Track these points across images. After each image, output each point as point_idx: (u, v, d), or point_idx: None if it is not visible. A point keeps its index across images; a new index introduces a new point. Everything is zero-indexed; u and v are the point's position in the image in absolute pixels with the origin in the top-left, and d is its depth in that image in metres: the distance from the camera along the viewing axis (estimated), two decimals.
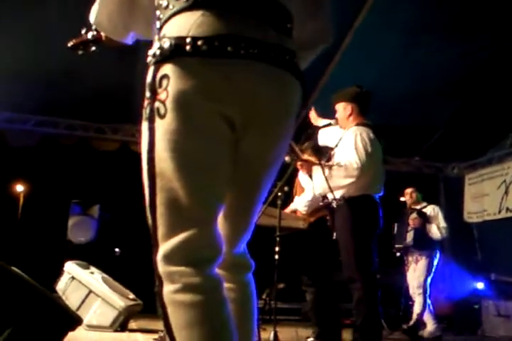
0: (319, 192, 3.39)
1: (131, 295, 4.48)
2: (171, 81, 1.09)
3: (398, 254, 5.40)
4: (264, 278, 2.90)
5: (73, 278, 4.41)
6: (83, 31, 1.64)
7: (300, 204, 3.91)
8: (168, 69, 1.10)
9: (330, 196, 3.20)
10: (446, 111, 6.35)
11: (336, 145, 3.35)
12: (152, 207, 1.11)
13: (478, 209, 7.14)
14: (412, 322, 5.03)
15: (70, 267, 4.53)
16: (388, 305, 5.03)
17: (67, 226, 6.11)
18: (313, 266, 3.71)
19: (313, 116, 3.70)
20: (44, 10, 4.55)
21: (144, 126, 1.13)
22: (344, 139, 3.28)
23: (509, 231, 6.43)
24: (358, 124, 3.30)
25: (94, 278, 4.42)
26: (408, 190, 5.56)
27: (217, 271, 1.14)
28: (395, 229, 5.54)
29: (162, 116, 1.09)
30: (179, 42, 1.09)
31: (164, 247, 1.08)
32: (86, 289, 4.31)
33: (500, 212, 6.70)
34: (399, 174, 6.93)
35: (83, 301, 4.27)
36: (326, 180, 3.04)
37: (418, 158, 7.41)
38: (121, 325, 4.22)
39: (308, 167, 3.42)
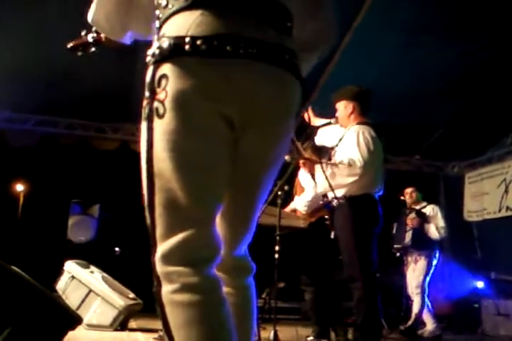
0: (321, 190, 3.38)
1: (131, 295, 4.48)
2: (169, 81, 1.09)
3: (398, 254, 5.40)
4: (264, 277, 2.90)
5: (73, 277, 4.40)
6: (83, 33, 1.63)
7: (300, 204, 3.91)
8: (167, 68, 1.10)
9: (330, 195, 3.20)
10: (446, 110, 6.35)
11: (337, 145, 3.35)
12: (151, 207, 1.11)
13: (478, 208, 7.15)
14: (410, 322, 5.02)
15: (70, 266, 4.52)
16: (389, 304, 5.02)
17: (67, 225, 6.12)
18: (313, 266, 3.72)
19: (310, 116, 3.68)
20: (44, 10, 4.55)
21: (143, 125, 1.13)
22: (345, 138, 3.27)
23: (509, 230, 6.43)
24: (359, 123, 3.30)
25: (94, 277, 4.42)
26: (408, 190, 5.55)
27: (218, 274, 1.13)
28: (394, 229, 5.54)
29: (161, 116, 1.09)
30: (178, 41, 1.09)
31: (162, 247, 1.08)
32: (86, 288, 4.30)
33: (500, 210, 6.71)
34: (399, 173, 6.96)
35: (83, 300, 4.27)
36: (327, 178, 3.04)
37: (418, 157, 7.42)
38: (121, 324, 4.21)
39: (311, 165, 3.41)
